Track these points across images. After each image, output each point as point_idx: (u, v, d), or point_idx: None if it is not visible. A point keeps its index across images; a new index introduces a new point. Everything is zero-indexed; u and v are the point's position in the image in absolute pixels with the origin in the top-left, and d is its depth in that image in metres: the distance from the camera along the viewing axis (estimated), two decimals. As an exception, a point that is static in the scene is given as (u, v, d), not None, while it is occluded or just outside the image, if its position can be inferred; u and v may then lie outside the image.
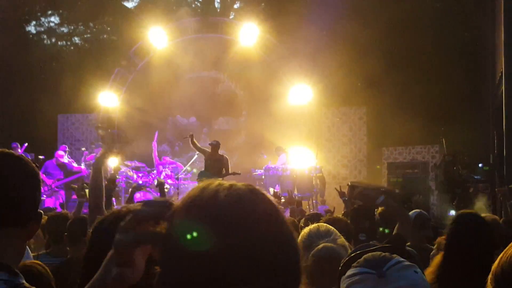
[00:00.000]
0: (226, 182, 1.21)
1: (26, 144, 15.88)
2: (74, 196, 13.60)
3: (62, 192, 16.08)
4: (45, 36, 25.12)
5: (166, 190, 12.87)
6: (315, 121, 19.09)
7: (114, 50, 20.63)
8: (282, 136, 17.38)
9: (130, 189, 8.21)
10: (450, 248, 3.43)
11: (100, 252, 2.23)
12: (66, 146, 17.68)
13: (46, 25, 25.08)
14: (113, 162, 16.43)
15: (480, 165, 13.23)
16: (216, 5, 24.49)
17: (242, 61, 18.69)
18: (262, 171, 16.61)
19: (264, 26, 18.53)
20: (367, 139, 19.12)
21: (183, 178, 16.87)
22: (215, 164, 14.66)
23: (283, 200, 11.43)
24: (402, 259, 1.72)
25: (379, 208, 5.97)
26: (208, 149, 14.90)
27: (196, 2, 24.73)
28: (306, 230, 2.96)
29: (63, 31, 25.23)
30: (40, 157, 16.40)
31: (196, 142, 14.99)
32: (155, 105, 19.60)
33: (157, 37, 19.03)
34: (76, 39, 25.57)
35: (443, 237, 5.09)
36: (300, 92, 18.36)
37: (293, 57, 18.72)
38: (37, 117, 19.17)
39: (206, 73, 20.51)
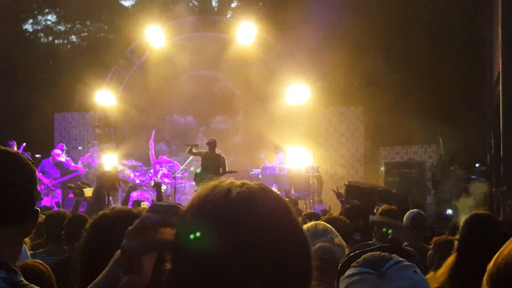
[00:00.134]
0: (238, 181, 1.19)
1: (24, 144, 15.86)
2: (71, 195, 13.59)
3: (59, 191, 16.05)
4: (42, 34, 25.12)
5: (163, 190, 12.90)
6: (313, 121, 19.09)
7: (111, 48, 20.60)
8: (279, 136, 17.38)
9: (127, 189, 8.20)
10: (463, 249, 3.42)
11: (96, 251, 2.22)
12: (64, 144, 17.65)
13: (43, 23, 25.09)
14: (110, 161, 16.47)
15: (477, 165, 13.25)
16: (214, 3, 24.52)
17: (239, 60, 18.68)
18: (259, 170, 16.61)
19: (261, 25, 18.53)
20: (364, 138, 19.13)
21: (180, 177, 16.86)
22: (212, 163, 14.66)
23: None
24: (402, 259, 1.72)
25: (379, 208, 5.96)
26: (204, 149, 14.93)
27: (193, 1, 24.73)
28: (303, 228, 2.94)
29: (60, 29, 25.24)
30: (37, 155, 16.36)
31: (193, 150, 15.06)
32: (152, 104, 19.60)
33: (154, 36, 19.02)
34: (73, 38, 25.58)
35: (441, 236, 5.10)
36: (298, 91, 18.37)
37: (290, 56, 18.72)
38: (33, 116, 19.16)
39: (204, 72, 20.50)
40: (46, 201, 15.13)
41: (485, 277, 1.26)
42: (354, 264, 1.75)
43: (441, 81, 17.78)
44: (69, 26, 25.13)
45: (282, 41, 18.69)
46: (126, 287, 1.19)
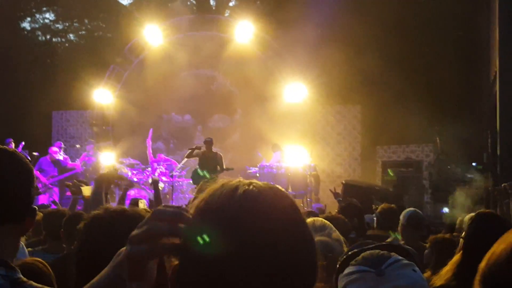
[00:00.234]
0: (245, 180, 1.19)
1: (23, 143, 15.85)
2: (68, 193, 13.58)
3: (56, 189, 16.03)
4: (40, 33, 25.08)
5: (160, 188, 12.90)
6: (310, 119, 19.09)
7: (109, 47, 20.57)
8: (277, 134, 17.38)
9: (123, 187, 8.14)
10: (468, 247, 3.44)
11: (91, 252, 2.24)
12: (61, 143, 17.63)
13: (41, 21, 25.05)
14: (108, 159, 16.46)
15: (473, 164, 13.27)
16: (212, 2, 24.48)
17: (237, 59, 18.67)
18: (257, 169, 16.59)
19: (259, 23, 18.52)
20: (361, 137, 19.14)
21: (177, 176, 16.85)
22: (209, 161, 14.67)
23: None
24: (401, 258, 1.71)
25: (379, 207, 5.98)
26: (200, 148, 14.94)
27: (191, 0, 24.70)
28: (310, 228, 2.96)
29: (58, 27, 25.19)
30: (34, 153, 16.35)
31: (192, 154, 15.10)
32: (150, 103, 19.59)
33: (152, 34, 19.01)
34: (71, 36, 25.55)
35: (438, 235, 5.13)
36: (295, 90, 18.37)
37: (288, 55, 18.71)
38: (31, 114, 19.14)
39: (201, 70, 20.48)
40: (43, 199, 15.11)
41: (477, 277, 1.26)
42: (353, 262, 1.75)
43: (438, 81, 17.80)
44: (67, 24, 25.09)
45: (280, 40, 18.68)
46: None
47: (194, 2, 24.54)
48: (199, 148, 15.07)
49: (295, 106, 18.71)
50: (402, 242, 5.74)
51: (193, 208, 1.17)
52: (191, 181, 15.77)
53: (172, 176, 16.19)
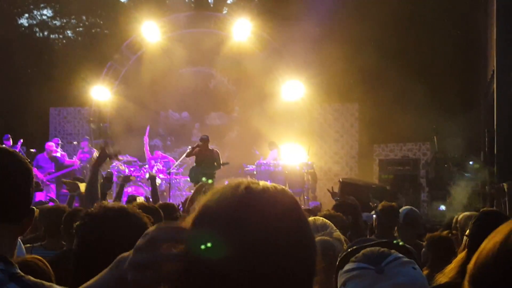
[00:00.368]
0: (244, 181, 1.18)
1: (21, 140, 15.86)
2: (65, 190, 13.57)
3: (53, 186, 16.03)
4: (37, 29, 25.02)
5: (157, 184, 12.89)
6: (308, 117, 19.10)
7: (107, 43, 20.53)
8: (274, 132, 17.39)
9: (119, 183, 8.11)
10: (472, 245, 3.45)
11: (91, 247, 2.24)
12: (59, 139, 17.61)
13: (39, 18, 24.98)
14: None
15: (471, 162, 13.28)
16: (210, 0, 24.44)
17: (235, 57, 18.69)
18: (254, 166, 16.61)
19: (257, 21, 18.52)
20: (359, 135, 19.14)
21: (175, 173, 16.85)
22: (206, 159, 14.70)
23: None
24: (401, 255, 1.72)
25: (379, 205, 5.98)
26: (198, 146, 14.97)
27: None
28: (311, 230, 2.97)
29: (55, 24, 25.14)
30: (32, 150, 16.36)
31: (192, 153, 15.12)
32: (147, 99, 19.58)
33: (150, 31, 18.99)
34: (69, 32, 25.49)
35: (434, 233, 5.14)
36: (293, 88, 18.38)
37: (286, 52, 18.72)
38: (28, 110, 19.12)
39: (199, 68, 20.46)
40: (40, 196, 15.10)
41: (467, 278, 1.26)
42: (353, 259, 1.75)
43: (435, 79, 17.82)
44: (65, 21, 25.04)
45: (278, 38, 18.69)
46: None
47: (192, -1, 24.54)
48: (198, 147, 15.08)
49: (293, 104, 18.72)
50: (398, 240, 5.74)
51: (194, 212, 1.17)
52: (188, 179, 15.78)
53: (169, 174, 16.18)
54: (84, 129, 20.43)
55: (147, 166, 17.05)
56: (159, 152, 18.01)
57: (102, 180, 6.39)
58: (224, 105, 20.54)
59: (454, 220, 5.48)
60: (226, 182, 1.22)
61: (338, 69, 17.39)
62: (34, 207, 2.16)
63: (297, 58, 18.17)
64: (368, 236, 5.65)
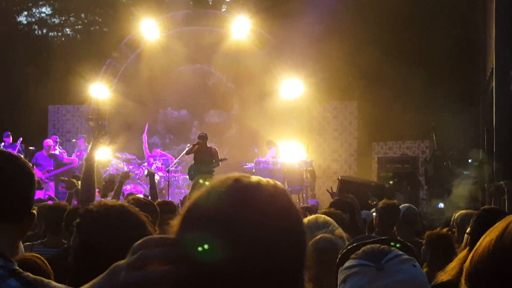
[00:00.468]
0: (232, 177, 1.17)
1: (21, 139, 15.87)
2: (63, 188, 13.54)
3: (52, 184, 16.02)
4: (36, 27, 25.02)
5: (156, 180, 12.88)
6: (307, 115, 19.09)
7: (106, 41, 20.53)
8: (273, 130, 17.39)
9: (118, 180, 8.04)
10: (474, 243, 3.45)
11: (90, 245, 2.25)
12: (57, 137, 17.61)
13: (38, 15, 24.98)
14: (104, 154, 16.42)
15: (469, 160, 13.29)
16: (208, -3, 24.43)
17: (234, 54, 18.67)
18: (253, 164, 16.59)
19: (256, 19, 18.51)
20: (358, 133, 19.14)
21: (173, 171, 16.85)
22: (204, 156, 14.73)
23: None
24: (401, 253, 1.72)
25: (380, 203, 5.99)
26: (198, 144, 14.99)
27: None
28: (304, 221, 2.98)
29: (54, 22, 25.13)
30: (31, 148, 16.37)
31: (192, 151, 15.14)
32: (146, 97, 19.56)
33: (149, 29, 18.98)
34: (68, 30, 25.49)
35: (434, 231, 5.14)
36: (292, 86, 18.37)
37: (285, 50, 18.71)
38: (27, 108, 19.12)
39: (198, 65, 20.45)
40: (39, 194, 15.09)
41: (463, 276, 1.26)
42: (353, 256, 1.75)
43: (434, 77, 17.82)
44: (64, 18, 25.03)
45: (276, 36, 18.68)
46: None
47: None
48: (197, 145, 15.09)
49: (292, 102, 18.71)
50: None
51: (183, 210, 1.17)
52: (187, 176, 15.78)
53: (168, 171, 16.18)
54: (83, 127, 20.42)
55: (146, 164, 17.05)
56: (158, 150, 18.01)
57: (104, 183, 6.42)
58: (223, 103, 20.53)
59: (452, 219, 5.49)
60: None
61: (337, 67, 17.40)
62: (34, 212, 2.22)
63: (296, 56, 18.15)
64: (366, 234, 5.66)
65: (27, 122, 18.22)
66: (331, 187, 9.44)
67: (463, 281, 1.25)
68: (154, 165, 16.66)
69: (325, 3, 17.37)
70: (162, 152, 18.08)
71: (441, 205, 12.67)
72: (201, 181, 13.60)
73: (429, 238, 4.92)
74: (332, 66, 17.42)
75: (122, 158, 17.09)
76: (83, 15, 24.69)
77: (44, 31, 24.94)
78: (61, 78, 19.16)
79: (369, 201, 9.26)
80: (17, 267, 2.04)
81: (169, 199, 12.70)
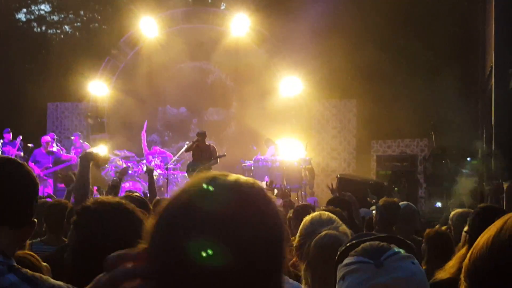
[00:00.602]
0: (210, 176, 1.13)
1: (20, 137, 15.88)
2: (61, 185, 13.56)
3: (51, 181, 16.01)
4: (35, 24, 24.99)
5: (155, 177, 12.88)
6: (306, 113, 19.09)
7: (105, 39, 20.52)
8: (272, 128, 17.40)
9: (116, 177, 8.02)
10: (473, 241, 3.45)
11: (87, 242, 2.25)
12: (54, 134, 17.59)
13: (37, 13, 24.95)
14: (102, 151, 16.40)
15: (468, 159, 13.30)
16: (208, -6, 24.42)
17: (233, 52, 18.66)
18: (252, 162, 16.60)
19: (255, 17, 18.49)
20: (356, 131, 19.15)
21: (172, 168, 16.84)
22: (203, 154, 14.75)
23: (276, 192, 11.43)
24: (400, 250, 1.72)
25: (380, 201, 5.99)
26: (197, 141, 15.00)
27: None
28: (308, 217, 2.99)
29: (53, 19, 25.10)
30: (29, 145, 16.36)
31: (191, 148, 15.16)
32: (145, 95, 19.56)
33: (148, 27, 18.96)
34: (67, 28, 25.46)
35: (432, 229, 5.15)
36: (291, 84, 18.37)
37: (284, 48, 18.71)
38: (26, 105, 19.10)
39: (197, 63, 20.45)
40: (38, 191, 15.10)
41: (463, 273, 1.26)
42: (352, 253, 1.75)
43: (433, 76, 17.82)
44: (63, 16, 25.01)
45: (276, 33, 18.67)
46: None
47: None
48: (197, 142, 15.11)
49: (291, 100, 18.71)
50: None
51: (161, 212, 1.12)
52: (186, 174, 15.78)
53: (167, 169, 16.18)
54: (82, 124, 20.41)
55: (144, 161, 17.05)
56: (157, 148, 18.01)
57: (108, 189, 6.44)
58: (222, 100, 20.53)
59: (450, 217, 5.50)
60: None
61: (336, 66, 17.40)
62: (35, 220, 2.30)
63: (296, 54, 18.15)
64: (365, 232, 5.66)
65: (26, 120, 18.20)
66: (332, 184, 9.44)
67: (462, 278, 1.25)
68: (153, 163, 16.65)
69: (325, 1, 17.37)
70: (161, 149, 18.08)
71: (439, 204, 12.68)
72: (205, 167, 13.64)
73: (428, 236, 4.93)
74: (332, 64, 17.43)
75: (121, 156, 17.08)
76: (82, 12, 24.67)
77: (43, 28, 24.92)
78: (60, 75, 19.15)
79: (368, 199, 9.26)
80: (15, 263, 2.10)
81: (168, 196, 12.69)
